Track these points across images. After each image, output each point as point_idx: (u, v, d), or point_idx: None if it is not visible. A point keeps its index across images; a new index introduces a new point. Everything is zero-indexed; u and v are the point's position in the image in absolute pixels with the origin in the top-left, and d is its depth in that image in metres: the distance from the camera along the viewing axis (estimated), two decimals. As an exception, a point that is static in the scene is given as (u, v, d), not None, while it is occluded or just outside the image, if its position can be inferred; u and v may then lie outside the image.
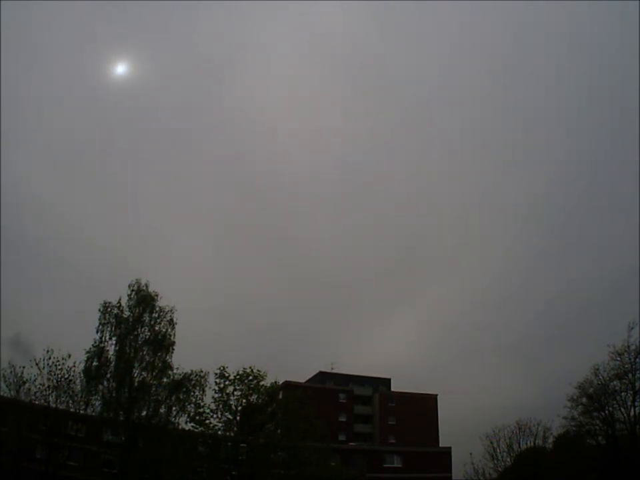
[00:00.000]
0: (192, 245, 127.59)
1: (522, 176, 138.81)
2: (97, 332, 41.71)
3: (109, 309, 42.51)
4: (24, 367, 39.48)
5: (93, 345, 41.13)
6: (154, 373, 41.77)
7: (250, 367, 41.06)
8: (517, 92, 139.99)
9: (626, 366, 44.69)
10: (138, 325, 42.55)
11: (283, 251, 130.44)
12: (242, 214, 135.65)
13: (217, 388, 40.61)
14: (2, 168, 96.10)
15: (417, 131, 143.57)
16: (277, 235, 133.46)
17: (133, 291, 43.41)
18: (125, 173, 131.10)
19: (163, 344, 42.42)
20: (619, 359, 44.95)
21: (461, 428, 78.50)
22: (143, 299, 43.25)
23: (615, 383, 45.42)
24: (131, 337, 42.07)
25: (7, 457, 38.40)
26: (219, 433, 40.21)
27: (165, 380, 41.95)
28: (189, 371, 42.35)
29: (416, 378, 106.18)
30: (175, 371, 42.46)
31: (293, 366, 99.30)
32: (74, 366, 40.37)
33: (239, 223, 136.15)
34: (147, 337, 42.56)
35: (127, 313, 42.87)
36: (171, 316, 43.57)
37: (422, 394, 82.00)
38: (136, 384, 41.16)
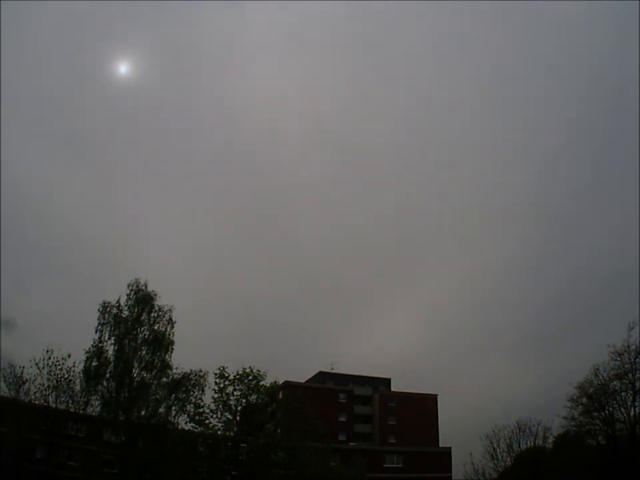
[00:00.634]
0: (192, 245, 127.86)
1: (522, 176, 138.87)
2: (96, 332, 41.78)
3: (108, 309, 42.52)
4: (24, 367, 39.61)
5: (92, 345, 41.20)
6: (153, 373, 41.79)
7: (250, 367, 41.02)
8: (516, 91, 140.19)
9: (626, 366, 44.67)
10: (137, 324, 42.55)
11: (283, 251, 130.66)
12: (242, 213, 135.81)
13: (216, 388, 40.58)
14: (2, 168, 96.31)
15: (416, 127, 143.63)
16: (277, 234, 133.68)
17: (132, 290, 43.42)
18: (125, 171, 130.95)
19: (162, 343, 42.43)
20: (618, 359, 44.95)
21: (461, 428, 78.64)
22: (142, 299, 43.26)
23: (615, 383, 45.41)
24: (130, 337, 42.07)
25: (7, 457, 38.41)
26: (219, 433, 40.18)
27: (164, 379, 41.99)
28: (189, 371, 42.41)
29: (416, 378, 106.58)
30: (174, 370, 42.54)
31: (292, 366, 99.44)
32: (73, 366, 40.53)
33: (238, 223, 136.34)
34: (146, 336, 42.57)
35: (126, 313, 42.90)
36: (170, 315, 43.65)
37: (422, 394, 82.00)
38: (135, 384, 41.17)
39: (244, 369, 40.88)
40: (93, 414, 41.86)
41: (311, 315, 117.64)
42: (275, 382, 43.11)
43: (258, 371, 40.97)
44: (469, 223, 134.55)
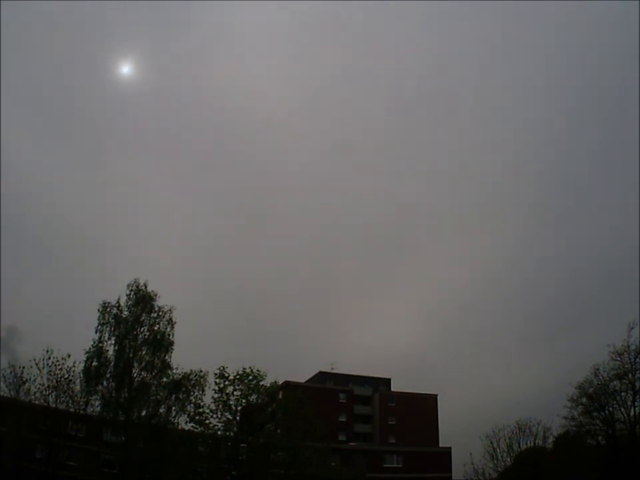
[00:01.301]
0: (192, 245, 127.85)
1: (522, 176, 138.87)
2: (96, 332, 41.77)
3: (108, 309, 42.52)
4: (24, 367, 39.62)
5: (92, 345, 41.20)
6: (153, 373, 41.80)
7: (250, 367, 41.04)
8: (516, 92, 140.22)
9: (626, 366, 44.64)
10: (137, 324, 42.55)
11: (283, 251, 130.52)
12: (242, 212, 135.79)
13: (216, 388, 40.61)
14: (2, 168, 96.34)
15: (406, 127, 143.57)
16: (276, 234, 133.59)
17: (131, 290, 43.42)
18: (123, 170, 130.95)
19: (162, 344, 42.43)
20: (618, 359, 44.92)
21: (461, 428, 78.63)
22: (142, 299, 43.26)
23: (615, 383, 45.37)
24: (130, 337, 42.07)
25: (7, 457, 38.41)
26: (219, 433, 40.19)
27: (164, 380, 42.00)
28: (189, 371, 42.41)
29: (416, 377, 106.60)
30: (174, 370, 42.54)
31: (292, 366, 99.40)
32: (73, 366, 40.57)
33: (238, 223, 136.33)
34: (146, 336, 42.56)
35: (126, 313, 42.89)
36: (170, 315, 43.63)
37: (422, 394, 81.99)
38: (135, 384, 41.18)
39: (244, 369, 40.91)
40: (93, 414, 41.86)
41: (311, 315, 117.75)
42: (275, 382, 43.12)
43: (258, 371, 41.00)
44: (468, 223, 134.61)
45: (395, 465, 67.33)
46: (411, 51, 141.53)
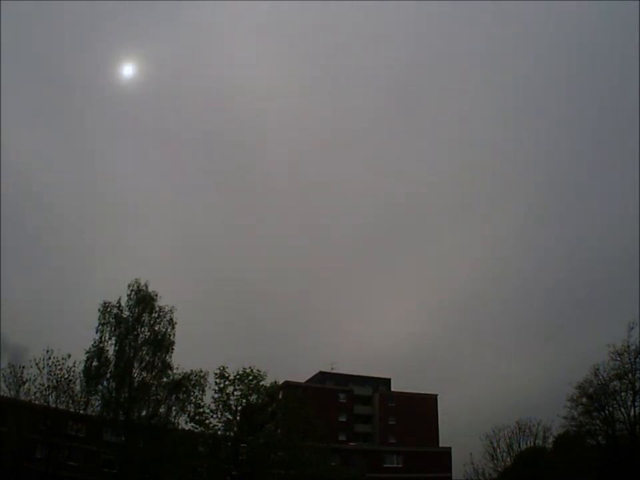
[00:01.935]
0: (192, 245, 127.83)
1: (521, 177, 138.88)
2: (97, 332, 41.78)
3: (108, 309, 42.53)
4: (23, 367, 39.64)
5: (92, 345, 41.20)
6: (154, 373, 41.81)
7: (250, 367, 41.07)
8: (515, 91, 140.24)
9: (626, 366, 44.65)
10: (137, 324, 42.57)
11: (282, 250, 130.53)
12: (242, 213, 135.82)
13: (216, 388, 40.62)
14: (2, 168, 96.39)
15: (413, 114, 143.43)
16: (275, 233, 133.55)
17: (132, 290, 43.43)
18: (121, 169, 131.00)
19: (162, 344, 42.45)
20: (618, 359, 44.92)
21: (461, 428, 78.63)
22: (143, 299, 43.27)
23: (615, 383, 45.38)
24: (131, 337, 42.09)
25: (7, 457, 38.42)
26: (219, 433, 40.20)
27: (164, 380, 42.01)
28: (189, 371, 42.42)
29: (416, 377, 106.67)
30: (174, 370, 42.55)
31: (292, 366, 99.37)
32: (74, 366, 40.60)
33: (237, 223, 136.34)
34: (147, 336, 42.58)
35: (126, 313, 42.90)
36: (170, 316, 43.65)
37: (422, 394, 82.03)
38: (136, 384, 41.19)
39: (244, 369, 40.92)
40: (93, 414, 41.88)
41: (311, 315, 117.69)
42: (275, 382, 43.12)
43: (258, 371, 41.02)
44: (466, 222, 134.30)
45: (395, 465, 67.38)
46: (406, 42, 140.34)
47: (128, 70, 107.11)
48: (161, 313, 43.48)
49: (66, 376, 40.16)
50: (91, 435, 45.48)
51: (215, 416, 40.01)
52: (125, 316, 42.76)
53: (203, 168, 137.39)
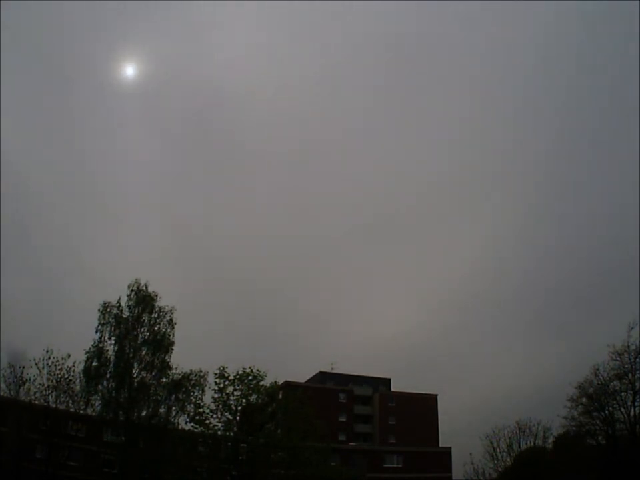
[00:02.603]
0: (192, 244, 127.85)
1: (521, 178, 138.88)
2: (97, 332, 41.80)
3: (108, 309, 42.53)
4: (24, 367, 39.67)
5: (92, 345, 41.23)
6: (153, 373, 41.83)
7: (250, 367, 41.08)
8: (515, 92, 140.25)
9: (626, 366, 44.64)
10: (137, 325, 42.59)
11: (281, 250, 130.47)
12: (242, 212, 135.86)
13: (216, 388, 40.64)
14: (2, 168, 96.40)
15: (411, 107, 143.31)
16: (274, 231, 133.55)
17: (132, 291, 43.44)
18: (122, 170, 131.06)
19: (162, 344, 42.45)
20: (618, 359, 44.90)
21: (461, 428, 78.61)
22: (143, 299, 43.28)
23: (615, 383, 45.37)
24: (131, 337, 42.10)
25: (7, 457, 38.45)
26: (219, 433, 40.21)
27: (164, 380, 42.03)
28: (189, 371, 42.42)
29: (416, 377, 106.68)
30: (174, 370, 42.56)
31: (292, 366, 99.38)
32: (73, 366, 40.65)
33: (236, 223, 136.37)
34: (147, 336, 42.59)
35: (126, 313, 42.91)
36: (170, 316, 43.65)
37: (422, 394, 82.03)
38: (135, 384, 41.21)
39: (244, 369, 40.94)
40: (93, 414, 41.89)
41: (311, 315, 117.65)
42: (275, 382, 43.13)
43: (258, 371, 41.03)
44: (463, 228, 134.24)
45: (395, 465, 67.37)
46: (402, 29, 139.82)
47: (126, 68, 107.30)
48: (161, 313, 43.50)
49: (66, 376, 40.23)
50: (91, 435, 45.49)
51: (214, 416, 40.05)
52: (124, 316, 42.78)
53: (202, 168, 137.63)
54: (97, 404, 41.28)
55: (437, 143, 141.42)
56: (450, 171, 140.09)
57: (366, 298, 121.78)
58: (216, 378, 40.72)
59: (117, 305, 42.85)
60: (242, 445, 40.52)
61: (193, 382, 41.88)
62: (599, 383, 46.08)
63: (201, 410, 40.28)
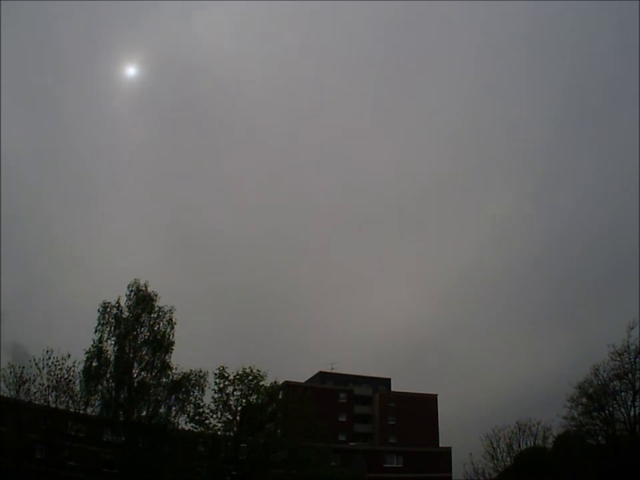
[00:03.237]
0: (191, 244, 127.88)
1: (523, 178, 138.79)
2: (96, 332, 41.71)
3: (108, 309, 42.49)
4: (23, 367, 39.66)
5: (92, 345, 41.11)
6: (153, 373, 41.78)
7: (250, 367, 41.18)
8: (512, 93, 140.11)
9: (626, 366, 44.62)
10: (137, 325, 42.53)
11: (282, 250, 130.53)
12: (242, 212, 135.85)
13: (216, 388, 40.68)
14: (2, 168, 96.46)
15: (417, 100, 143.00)
16: (274, 232, 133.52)
17: (132, 291, 43.38)
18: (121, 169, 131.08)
19: (162, 344, 42.39)
20: (618, 359, 44.88)
21: (461, 428, 78.62)
22: (142, 299, 43.21)
23: (615, 382, 45.33)
24: (130, 337, 42.03)
25: (7, 457, 38.44)
26: (219, 433, 40.24)
27: (164, 380, 41.96)
28: (189, 371, 42.40)
29: (416, 377, 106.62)
30: (174, 370, 42.52)
31: (292, 366, 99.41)
32: (73, 366, 40.63)
33: (234, 223, 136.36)
34: (146, 337, 42.52)
35: (126, 313, 42.85)
36: (170, 316, 43.58)
37: (422, 394, 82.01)
38: (135, 384, 41.16)
39: (244, 369, 41.01)
40: (93, 414, 41.88)
41: (311, 315, 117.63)
42: (275, 382, 43.21)
43: (258, 371, 41.12)
44: (465, 220, 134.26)
45: (395, 465, 67.39)
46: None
47: (125, 68, 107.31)
48: (161, 313, 43.42)
49: (66, 376, 40.24)
50: (91, 435, 45.44)
51: (214, 416, 40.14)
52: (124, 316, 42.71)
53: (203, 167, 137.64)
54: (96, 404, 41.23)
55: (440, 132, 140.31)
56: (453, 162, 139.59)
57: (366, 294, 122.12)
58: (216, 378, 40.83)
59: (117, 305, 42.83)
60: (242, 445, 40.55)
61: (192, 382, 41.85)
62: (599, 382, 46.08)
63: (200, 410, 40.34)
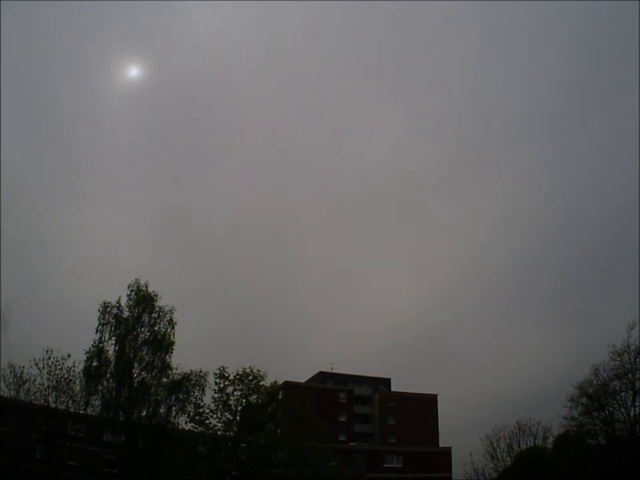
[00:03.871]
0: (191, 244, 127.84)
1: (526, 181, 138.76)
2: (97, 332, 41.70)
3: (108, 309, 42.49)
4: (23, 367, 39.71)
5: (92, 345, 41.11)
6: (153, 373, 41.77)
7: (250, 367, 41.19)
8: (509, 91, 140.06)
9: (626, 366, 44.63)
10: (137, 324, 42.52)
11: (281, 250, 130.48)
12: (241, 212, 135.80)
13: (216, 388, 40.69)
14: (2, 167, 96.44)
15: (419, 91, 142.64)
16: (272, 231, 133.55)
17: (132, 291, 43.37)
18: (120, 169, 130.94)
19: (162, 344, 42.37)
20: (618, 359, 44.89)
21: (461, 428, 78.65)
22: (143, 299, 43.20)
23: (615, 382, 45.35)
24: (131, 337, 42.03)
25: (7, 457, 38.45)
26: (219, 433, 40.24)
27: (164, 380, 41.95)
28: (189, 371, 42.40)
29: (416, 377, 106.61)
30: (174, 370, 42.52)
31: (292, 366, 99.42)
32: (73, 366, 40.70)
33: (233, 223, 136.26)
34: (147, 336, 42.51)
35: (126, 313, 42.85)
36: (170, 316, 43.58)
37: (422, 394, 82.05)
38: (136, 384, 41.15)
39: (244, 369, 41.02)
40: (93, 414, 41.89)
41: (311, 314, 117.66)
42: (275, 382, 43.21)
43: (258, 371, 41.13)
44: (462, 222, 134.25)
45: (395, 465, 67.42)
46: None
47: (125, 69, 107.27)
48: (161, 313, 43.42)
49: (66, 376, 40.29)
50: (91, 435, 45.47)
51: (214, 416, 40.15)
52: (124, 316, 42.71)
53: (203, 167, 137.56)
54: (96, 404, 41.24)
55: (445, 117, 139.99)
56: (457, 147, 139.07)
57: (367, 294, 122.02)
58: (216, 378, 40.84)
59: (117, 304, 42.84)
60: (242, 445, 40.56)
61: (193, 382, 41.84)
62: (599, 382, 46.09)
63: (201, 410, 40.34)
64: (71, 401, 40.66)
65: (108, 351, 41.68)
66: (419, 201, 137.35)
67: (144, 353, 42.08)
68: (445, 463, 68.00)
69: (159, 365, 42.00)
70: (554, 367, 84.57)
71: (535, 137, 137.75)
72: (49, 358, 39.95)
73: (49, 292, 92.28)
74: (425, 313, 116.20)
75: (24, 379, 39.66)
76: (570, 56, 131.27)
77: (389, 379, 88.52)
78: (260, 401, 41.12)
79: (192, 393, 41.61)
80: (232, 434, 40.36)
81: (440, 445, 75.48)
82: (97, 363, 40.80)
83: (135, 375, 41.57)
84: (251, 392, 40.73)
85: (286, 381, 63.89)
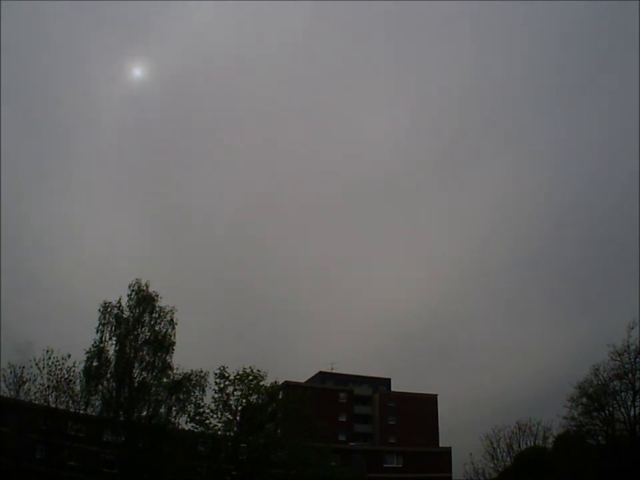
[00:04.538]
0: (191, 244, 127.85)
1: (528, 185, 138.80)
2: (97, 332, 41.67)
3: (108, 309, 42.46)
4: (23, 367, 39.68)
5: (92, 345, 41.08)
6: (154, 373, 41.73)
7: (250, 367, 41.19)
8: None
9: (626, 366, 44.63)
10: (138, 325, 42.47)
11: (281, 250, 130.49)
12: (242, 211, 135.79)
13: (216, 388, 40.69)
14: (2, 167, 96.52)
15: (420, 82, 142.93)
16: (273, 230, 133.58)
17: (133, 291, 43.35)
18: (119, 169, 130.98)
19: (163, 344, 42.33)
20: (618, 359, 44.90)
21: (461, 428, 78.68)
22: (143, 299, 43.17)
23: (615, 382, 45.35)
24: (131, 337, 41.99)
25: (7, 457, 38.43)
26: (219, 433, 40.23)
27: (164, 380, 41.92)
28: (189, 371, 42.39)
29: (416, 377, 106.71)
30: (174, 371, 42.51)
31: (293, 366, 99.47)
32: (74, 366, 40.66)
33: (238, 222, 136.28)
34: (147, 337, 42.47)
35: (127, 313, 42.82)
36: (171, 316, 43.55)
37: (422, 394, 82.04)
38: (136, 384, 41.12)
39: (244, 369, 41.02)
40: (93, 414, 41.87)
41: (310, 315, 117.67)
42: (275, 382, 43.21)
43: (258, 371, 41.13)
44: (462, 223, 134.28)
45: (395, 465, 67.39)
46: None
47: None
48: (162, 314, 43.38)
49: (66, 376, 40.24)
50: (91, 435, 45.44)
51: (215, 416, 40.15)
52: (125, 316, 42.68)
53: (203, 167, 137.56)
54: (97, 404, 41.20)
55: (445, 117, 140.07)
56: (457, 147, 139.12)
57: (367, 294, 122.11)
58: (216, 378, 40.85)
59: (118, 305, 42.81)
60: (242, 445, 40.55)
61: (193, 382, 41.82)
62: (599, 382, 46.10)
63: (201, 410, 40.34)
64: (71, 401, 40.63)
65: (108, 351, 41.68)
66: (419, 201, 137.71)
67: (144, 353, 42.04)
68: (445, 463, 67.96)
69: (160, 365, 41.96)
70: (554, 367, 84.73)
71: (535, 137, 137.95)
72: (49, 358, 39.95)
73: (49, 292, 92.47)
74: (425, 313, 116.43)
75: (24, 379, 39.66)
76: (570, 56, 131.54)
77: (389, 379, 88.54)
78: (260, 401, 41.13)
79: (192, 393, 41.59)
80: (232, 434, 40.36)
81: (440, 445, 75.45)
82: (97, 363, 40.77)
83: (135, 375, 41.54)
84: (251, 392, 40.73)
85: (286, 381, 63.88)
